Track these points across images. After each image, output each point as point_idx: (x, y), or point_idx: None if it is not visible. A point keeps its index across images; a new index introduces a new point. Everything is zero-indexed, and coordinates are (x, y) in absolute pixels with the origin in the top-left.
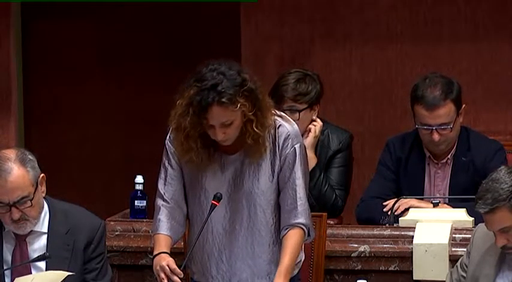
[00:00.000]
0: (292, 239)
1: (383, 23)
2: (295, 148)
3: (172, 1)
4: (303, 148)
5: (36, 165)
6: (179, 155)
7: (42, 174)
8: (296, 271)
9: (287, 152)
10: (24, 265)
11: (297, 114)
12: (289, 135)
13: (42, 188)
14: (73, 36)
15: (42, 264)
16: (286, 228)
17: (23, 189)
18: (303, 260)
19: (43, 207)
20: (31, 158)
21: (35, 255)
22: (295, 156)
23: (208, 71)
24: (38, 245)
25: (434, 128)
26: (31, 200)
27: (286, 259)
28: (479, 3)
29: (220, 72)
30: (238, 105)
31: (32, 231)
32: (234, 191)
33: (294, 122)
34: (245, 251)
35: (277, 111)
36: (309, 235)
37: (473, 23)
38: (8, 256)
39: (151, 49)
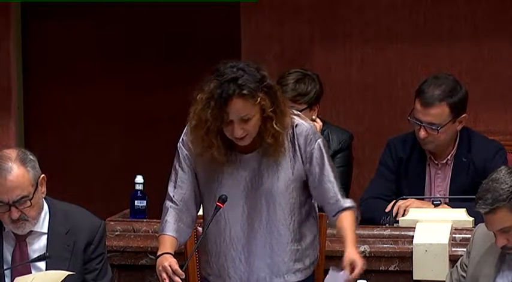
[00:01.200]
0: (348, 218)
1: (383, 23)
2: (319, 143)
3: (172, 1)
4: (325, 142)
5: (37, 165)
6: (200, 153)
7: (42, 175)
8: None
9: (312, 148)
10: (24, 265)
11: None
12: (308, 132)
13: (43, 189)
14: (73, 36)
15: (42, 264)
16: (337, 213)
17: (22, 188)
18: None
19: (43, 207)
20: (32, 158)
21: (35, 255)
22: (321, 150)
23: (228, 67)
24: (38, 246)
25: (422, 124)
26: (30, 200)
27: (349, 234)
28: (479, 3)
29: (239, 68)
30: (258, 99)
31: (32, 231)
32: (252, 190)
33: (309, 120)
34: (264, 250)
35: (293, 111)
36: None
37: (473, 22)
38: (8, 256)
39: (152, 49)
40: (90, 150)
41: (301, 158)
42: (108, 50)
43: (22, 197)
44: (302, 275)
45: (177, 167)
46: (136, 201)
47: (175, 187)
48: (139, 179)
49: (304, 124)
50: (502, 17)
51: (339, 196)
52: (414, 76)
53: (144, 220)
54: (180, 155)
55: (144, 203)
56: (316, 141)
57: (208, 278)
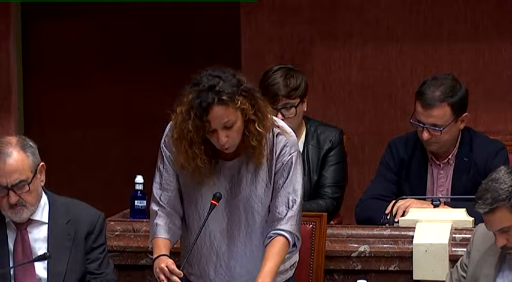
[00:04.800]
0: (276, 246)
1: (383, 23)
2: (292, 156)
3: (172, 1)
4: (300, 158)
5: (37, 152)
6: (184, 164)
7: (42, 163)
8: (291, 273)
9: (284, 159)
10: (26, 257)
11: (293, 109)
12: (287, 143)
13: (41, 177)
14: (73, 36)
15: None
16: (271, 237)
17: (21, 172)
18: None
19: (41, 196)
20: (32, 144)
21: (36, 245)
22: (292, 164)
23: (203, 76)
24: (38, 235)
25: (425, 126)
26: (29, 184)
27: (268, 264)
28: (479, 3)
29: (215, 75)
30: (238, 103)
31: (32, 220)
32: (231, 197)
33: (292, 133)
34: (244, 257)
35: (275, 120)
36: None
37: (473, 23)
38: (10, 245)
39: (151, 49)
40: (90, 150)
41: (275, 166)
42: (108, 50)
43: (21, 181)
44: (281, 278)
45: (162, 168)
46: (136, 201)
47: (160, 189)
48: (139, 179)
49: (285, 135)
50: (502, 17)
51: (287, 214)
52: (414, 76)
53: (144, 220)
54: (164, 156)
55: (144, 203)
56: (290, 154)
57: (189, 277)
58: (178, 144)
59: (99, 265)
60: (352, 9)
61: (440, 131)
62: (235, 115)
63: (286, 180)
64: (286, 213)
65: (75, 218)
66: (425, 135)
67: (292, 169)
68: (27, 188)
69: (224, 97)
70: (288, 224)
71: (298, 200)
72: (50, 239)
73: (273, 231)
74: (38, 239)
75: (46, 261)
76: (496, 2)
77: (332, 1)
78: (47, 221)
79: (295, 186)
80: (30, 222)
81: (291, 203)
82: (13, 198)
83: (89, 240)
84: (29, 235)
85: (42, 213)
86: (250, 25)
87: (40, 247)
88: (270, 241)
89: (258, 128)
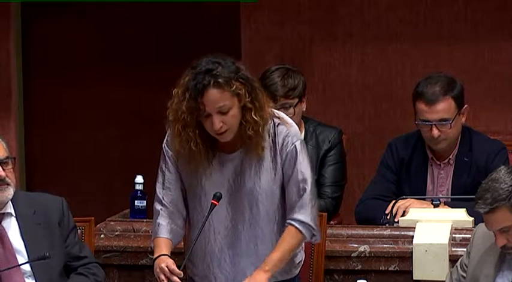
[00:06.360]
0: (285, 236)
1: (383, 23)
2: (295, 145)
3: (173, 1)
4: (304, 145)
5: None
6: (178, 148)
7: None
8: (297, 271)
9: (288, 149)
10: (9, 251)
11: (292, 109)
12: (288, 133)
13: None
14: (73, 36)
15: (22, 247)
16: (286, 225)
17: (4, 151)
18: (303, 260)
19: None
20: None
21: (12, 239)
22: (296, 153)
23: (203, 60)
24: (12, 229)
25: (433, 123)
26: (13, 162)
27: (273, 254)
28: (479, 3)
29: (215, 61)
30: (234, 87)
31: (3, 214)
32: (235, 190)
33: (293, 124)
34: (249, 250)
35: (275, 112)
36: (313, 235)
37: (473, 23)
38: None
39: (151, 49)
40: (90, 150)
41: (281, 157)
42: (108, 50)
43: (7, 157)
44: (288, 275)
45: (164, 168)
46: (136, 201)
47: (163, 189)
48: (139, 179)
49: (285, 125)
50: (502, 17)
51: (299, 203)
52: (414, 76)
53: (144, 220)
54: (166, 156)
55: (144, 203)
56: (293, 143)
57: (194, 278)
58: (172, 126)
59: (79, 249)
60: (352, 9)
61: (450, 124)
62: (231, 100)
63: (293, 170)
64: (298, 202)
65: (41, 208)
66: (435, 132)
67: (297, 158)
68: (11, 165)
69: (220, 80)
70: (299, 213)
71: (308, 188)
72: (22, 230)
73: (287, 221)
74: (13, 233)
75: (26, 254)
76: (496, 2)
77: (332, 1)
78: (14, 214)
79: (304, 174)
80: (2, 217)
81: (301, 192)
82: (1, 172)
83: (63, 225)
84: (7, 230)
85: (10, 206)
86: (250, 25)
87: (16, 241)
88: (285, 230)
89: (254, 117)
